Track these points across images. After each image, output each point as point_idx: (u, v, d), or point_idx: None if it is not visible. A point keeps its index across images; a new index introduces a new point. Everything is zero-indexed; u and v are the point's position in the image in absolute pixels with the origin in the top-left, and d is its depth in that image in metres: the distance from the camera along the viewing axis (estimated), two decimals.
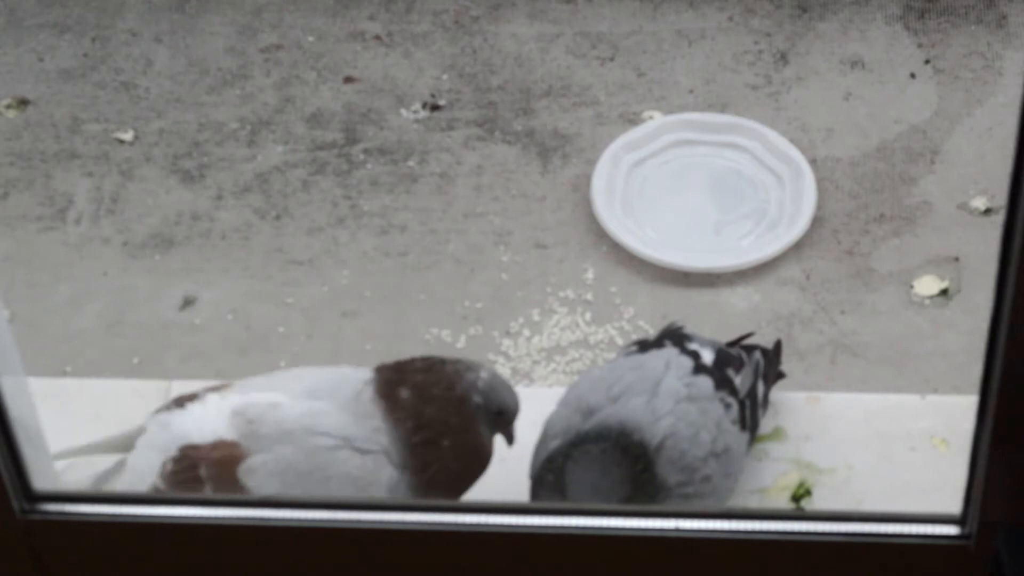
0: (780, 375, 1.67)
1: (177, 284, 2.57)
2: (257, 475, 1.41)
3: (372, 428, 1.43)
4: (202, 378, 2.39)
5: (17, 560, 1.22)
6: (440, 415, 1.45)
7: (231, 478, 1.41)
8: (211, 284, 2.57)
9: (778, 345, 1.67)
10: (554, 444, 1.46)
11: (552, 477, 1.43)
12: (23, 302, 2.53)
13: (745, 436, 1.54)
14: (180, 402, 1.47)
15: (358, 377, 1.47)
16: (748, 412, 1.54)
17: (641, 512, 1.26)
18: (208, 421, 1.43)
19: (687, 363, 1.52)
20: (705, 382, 1.51)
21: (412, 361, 1.48)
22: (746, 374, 1.56)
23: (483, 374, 1.48)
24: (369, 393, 1.45)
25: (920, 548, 1.18)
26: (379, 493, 1.44)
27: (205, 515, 1.22)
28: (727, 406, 1.51)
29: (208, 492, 1.41)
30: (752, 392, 1.56)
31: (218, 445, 1.42)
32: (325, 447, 1.42)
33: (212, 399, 1.46)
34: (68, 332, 2.50)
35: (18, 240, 2.65)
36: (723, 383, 1.52)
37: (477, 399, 1.46)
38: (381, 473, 1.43)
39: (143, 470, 1.45)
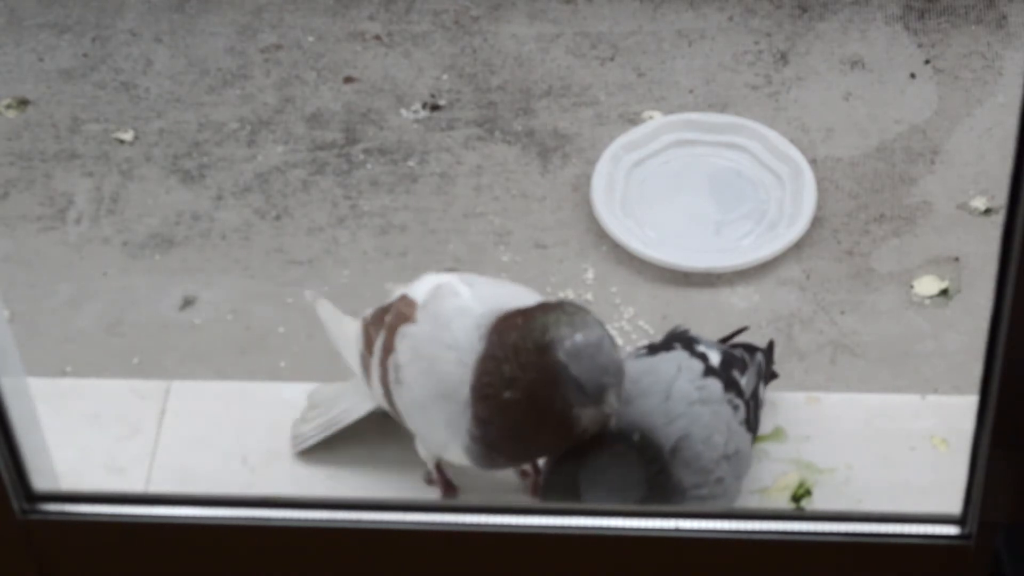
0: (773, 375, 1.67)
1: (177, 284, 2.57)
2: (403, 341, 1.48)
3: (471, 345, 1.42)
4: (202, 378, 2.40)
5: (17, 560, 1.22)
6: (513, 364, 1.39)
7: (393, 333, 1.49)
8: (211, 284, 2.57)
9: (771, 346, 1.67)
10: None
11: (565, 480, 1.43)
12: (23, 302, 2.53)
13: (750, 437, 1.55)
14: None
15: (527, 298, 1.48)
16: (752, 413, 1.55)
17: (641, 512, 1.26)
18: (427, 282, 1.53)
19: (697, 366, 1.52)
20: (715, 384, 1.51)
21: (546, 304, 1.43)
22: (750, 375, 1.56)
23: (578, 337, 1.37)
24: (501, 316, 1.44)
25: (920, 548, 1.18)
26: (457, 409, 1.43)
27: (205, 515, 1.22)
28: (735, 408, 1.52)
29: (381, 337, 1.51)
30: (755, 393, 1.57)
31: (409, 303, 1.50)
32: (443, 342, 1.45)
33: (452, 274, 1.54)
34: (68, 332, 2.50)
35: (18, 240, 2.64)
36: (730, 385, 1.53)
37: (562, 358, 1.37)
38: (463, 390, 1.42)
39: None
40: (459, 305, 1.47)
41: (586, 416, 1.39)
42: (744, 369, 1.56)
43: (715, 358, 1.55)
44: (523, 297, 1.49)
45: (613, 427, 1.44)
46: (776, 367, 1.69)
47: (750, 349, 1.61)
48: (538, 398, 1.39)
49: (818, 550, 1.19)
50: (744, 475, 1.53)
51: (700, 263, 2.55)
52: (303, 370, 2.43)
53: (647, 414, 1.45)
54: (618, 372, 1.39)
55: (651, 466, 1.42)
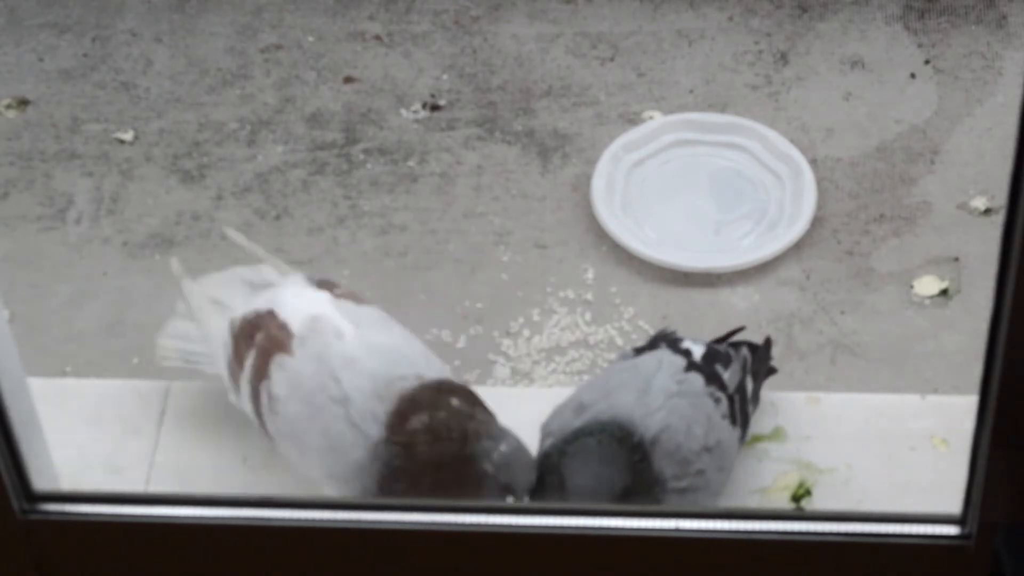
0: (772, 370, 1.67)
1: (177, 284, 2.57)
2: (279, 372, 1.47)
3: (368, 412, 1.42)
4: (202, 378, 2.40)
5: (17, 560, 1.22)
6: (439, 460, 1.41)
7: (267, 359, 1.47)
8: None
9: (767, 342, 1.68)
10: (548, 442, 1.47)
11: (548, 474, 1.44)
12: (23, 302, 2.53)
13: (736, 432, 1.55)
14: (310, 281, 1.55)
15: (413, 365, 1.46)
16: (738, 407, 1.55)
17: (641, 512, 1.26)
18: (299, 307, 1.50)
19: (679, 362, 1.54)
20: (695, 378, 1.52)
21: (439, 403, 1.44)
22: (734, 370, 1.57)
23: (503, 447, 1.42)
24: (399, 389, 1.43)
25: (920, 548, 1.18)
26: (347, 466, 1.43)
27: (205, 515, 1.22)
28: (716, 401, 1.52)
29: (251, 358, 1.48)
30: (741, 387, 1.57)
31: (282, 328, 1.48)
32: (329, 394, 1.44)
33: (324, 295, 1.52)
34: (68, 332, 2.50)
35: (18, 240, 2.64)
36: (712, 379, 1.53)
37: (487, 468, 1.42)
38: (356, 450, 1.42)
39: (228, 315, 1.56)
40: (346, 354, 1.46)
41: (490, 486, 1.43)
42: (728, 363, 1.57)
43: (698, 353, 1.56)
44: (410, 353, 1.48)
45: (594, 419, 1.45)
46: (776, 367, 1.69)
47: (735, 345, 1.62)
48: (459, 491, 1.42)
49: (818, 550, 1.19)
50: (728, 468, 1.53)
51: (700, 263, 2.55)
52: None
53: (626, 407, 1.47)
54: (530, 465, 1.44)
55: (632, 455, 1.43)
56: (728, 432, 1.53)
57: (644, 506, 1.42)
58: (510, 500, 1.43)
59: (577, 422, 1.47)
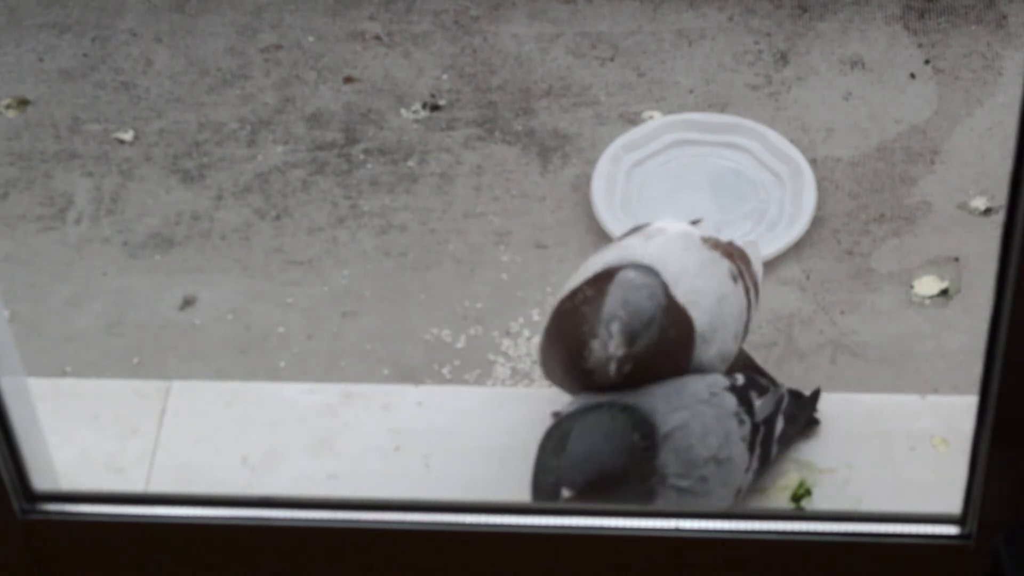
0: (814, 421, 1.66)
1: (177, 284, 2.57)
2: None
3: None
4: (202, 378, 2.40)
5: (17, 560, 1.22)
6: (584, 291, 1.53)
7: None
8: (211, 284, 2.57)
9: (815, 393, 1.67)
10: (568, 410, 1.50)
11: (556, 435, 1.46)
12: (23, 302, 2.53)
13: (750, 459, 1.55)
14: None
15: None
16: (760, 438, 1.56)
17: (641, 512, 1.26)
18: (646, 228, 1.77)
19: (723, 381, 1.56)
20: (729, 398, 1.54)
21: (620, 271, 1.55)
22: (767, 401, 1.58)
23: (630, 273, 1.51)
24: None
25: (920, 548, 1.18)
26: None
27: (205, 515, 1.22)
28: (741, 422, 1.54)
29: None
30: (769, 421, 1.57)
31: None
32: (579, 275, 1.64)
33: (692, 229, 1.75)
34: (68, 332, 2.50)
35: (18, 240, 2.64)
36: (743, 402, 1.55)
37: (612, 285, 1.50)
38: None
39: None
40: (614, 251, 1.62)
41: (595, 347, 1.49)
42: (763, 394, 1.58)
43: (740, 379, 1.58)
44: (681, 260, 1.61)
45: (617, 399, 1.47)
46: (777, 368, 1.70)
47: (777, 384, 1.64)
48: (566, 329, 1.52)
49: (818, 550, 1.19)
50: (733, 487, 1.54)
51: None
52: (303, 370, 2.43)
53: (655, 398, 1.49)
54: (635, 313, 1.48)
55: (642, 441, 1.45)
56: (742, 454, 1.53)
57: (645, 506, 1.42)
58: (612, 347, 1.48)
59: (601, 398, 1.49)
